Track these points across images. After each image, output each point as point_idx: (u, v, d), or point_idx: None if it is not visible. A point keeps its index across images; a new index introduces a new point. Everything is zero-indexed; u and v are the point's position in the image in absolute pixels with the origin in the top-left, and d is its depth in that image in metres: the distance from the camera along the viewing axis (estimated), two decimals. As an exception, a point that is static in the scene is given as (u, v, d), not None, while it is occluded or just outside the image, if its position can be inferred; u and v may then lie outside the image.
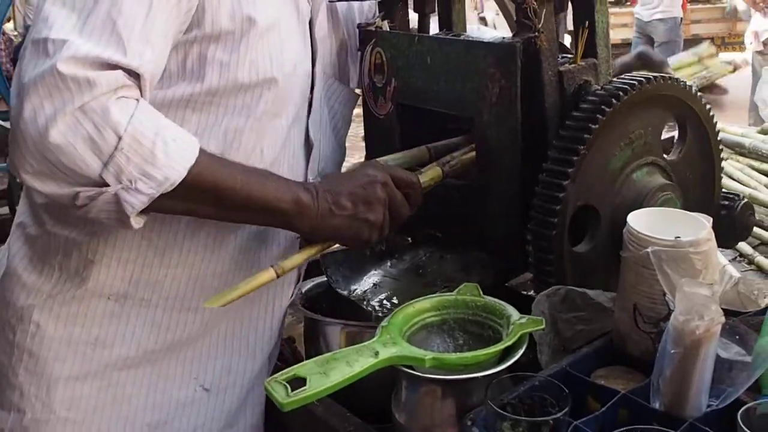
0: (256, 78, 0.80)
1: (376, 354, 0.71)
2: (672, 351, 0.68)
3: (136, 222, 0.73)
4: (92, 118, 0.68)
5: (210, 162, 0.75)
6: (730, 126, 2.13)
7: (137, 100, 0.72)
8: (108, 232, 0.82)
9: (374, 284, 0.98)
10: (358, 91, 1.05)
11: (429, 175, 0.91)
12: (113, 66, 0.70)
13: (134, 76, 0.71)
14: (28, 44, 0.71)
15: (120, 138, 0.69)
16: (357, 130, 1.09)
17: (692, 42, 6.61)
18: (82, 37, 0.69)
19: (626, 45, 6.47)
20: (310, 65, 0.90)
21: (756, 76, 4.40)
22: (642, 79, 0.87)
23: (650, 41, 6.03)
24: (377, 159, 0.94)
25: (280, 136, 0.85)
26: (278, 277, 0.81)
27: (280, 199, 0.79)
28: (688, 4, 6.62)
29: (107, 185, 0.70)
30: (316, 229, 0.81)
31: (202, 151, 0.74)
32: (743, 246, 1.56)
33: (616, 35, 6.93)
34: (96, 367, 0.84)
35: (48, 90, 0.67)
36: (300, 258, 0.84)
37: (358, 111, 1.07)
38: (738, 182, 1.85)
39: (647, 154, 0.91)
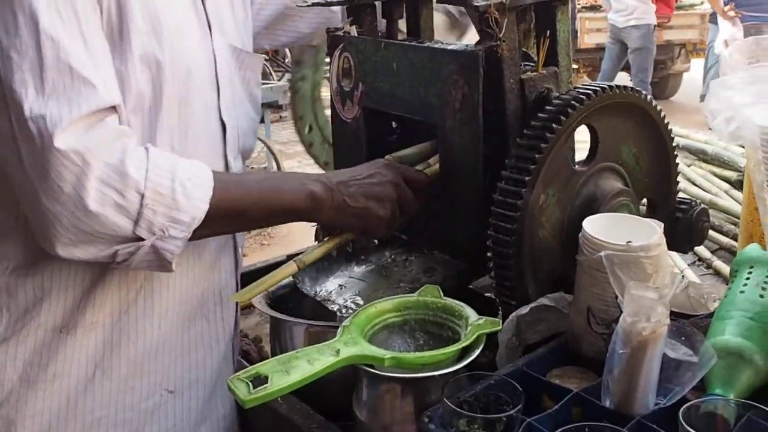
0: (155, 68, 0.79)
1: (337, 353, 0.73)
2: (620, 351, 0.71)
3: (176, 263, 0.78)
4: (113, 185, 0.72)
5: (225, 186, 0.80)
6: (694, 133, 2.19)
7: (146, 149, 0.75)
8: (52, 266, 0.81)
9: (340, 285, 0.99)
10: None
11: (433, 170, 0.95)
12: (97, 113, 0.71)
13: (112, 108, 0.74)
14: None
15: (143, 196, 0.73)
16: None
17: (665, 48, 6.73)
18: (52, 99, 0.69)
19: (600, 50, 6.58)
20: (210, 42, 0.88)
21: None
22: (600, 87, 0.90)
23: (624, 47, 6.13)
24: (393, 154, 0.97)
25: (191, 124, 0.85)
26: (299, 270, 0.88)
27: (296, 199, 0.84)
28: (674, 11, 6.71)
29: (142, 239, 0.75)
30: (332, 220, 0.87)
31: (215, 179, 0.78)
32: (702, 250, 1.61)
33: (590, 40, 7.02)
34: (58, 399, 0.83)
35: (58, 170, 0.69)
36: (319, 252, 0.90)
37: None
38: (700, 188, 1.91)
39: (605, 160, 0.94)
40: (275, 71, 6.13)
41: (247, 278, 1.04)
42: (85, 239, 0.73)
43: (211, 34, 0.88)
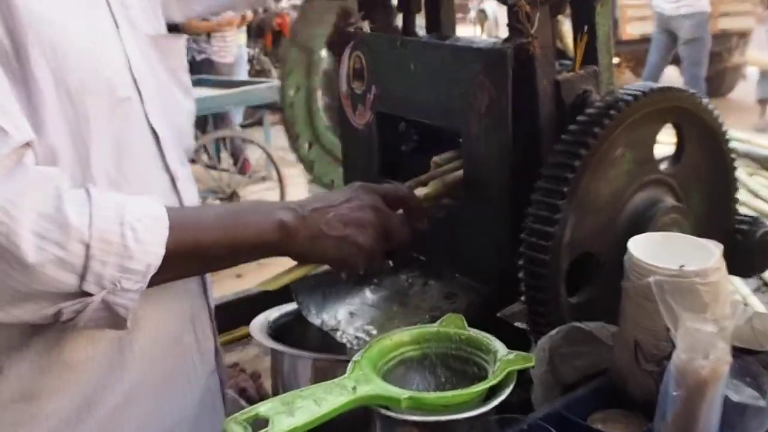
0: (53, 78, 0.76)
1: (347, 392, 0.72)
2: (674, 393, 0.70)
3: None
4: (51, 237, 0.69)
5: (182, 224, 0.78)
6: (756, 137, 2.17)
7: (86, 190, 0.73)
8: (7, 340, 0.80)
9: (350, 313, 0.99)
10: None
11: (432, 187, 0.94)
12: (11, 155, 0.70)
13: (26, 145, 0.72)
14: None
15: (88, 246, 0.71)
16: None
17: (720, 38, 6.68)
18: None
19: (645, 41, 6.54)
20: (120, 44, 0.85)
21: None
22: (648, 89, 0.90)
23: (673, 38, 6.09)
24: (440, 156, 0.96)
25: (123, 143, 0.83)
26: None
27: (264, 231, 0.82)
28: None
29: (90, 294, 0.73)
30: (306, 251, 0.85)
31: (170, 217, 0.77)
32: None
33: (633, 30, 6.99)
34: None
35: None
36: (286, 279, 0.88)
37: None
38: (764, 200, 1.89)
39: (653, 172, 0.94)
40: (275, 67, 6.18)
41: (223, 311, 1.05)
42: (24, 298, 0.71)
43: (119, 31, 0.85)
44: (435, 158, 0.99)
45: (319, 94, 2.06)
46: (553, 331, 0.85)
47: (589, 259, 0.90)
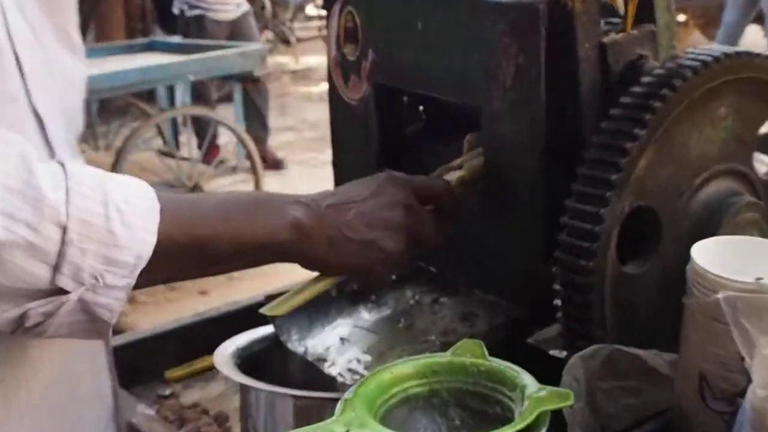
0: None
1: (336, 439, 0.73)
2: (749, 438, 0.70)
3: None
4: (20, 216, 0.68)
5: (176, 210, 0.77)
6: None
7: (60, 162, 0.72)
8: None
9: (341, 338, 1.00)
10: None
11: (468, 169, 0.96)
12: None
13: None
14: None
15: (65, 229, 0.69)
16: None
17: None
18: None
19: (716, 7, 6.54)
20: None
21: None
22: (722, 53, 0.90)
23: (751, 4, 6.09)
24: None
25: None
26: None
27: (275, 229, 0.82)
28: None
29: (66, 292, 0.71)
30: (321, 256, 0.85)
31: (161, 200, 0.76)
32: None
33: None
34: None
35: None
36: (299, 299, 0.90)
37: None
38: None
39: (728, 160, 0.94)
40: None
41: (181, 337, 1.04)
42: None
43: None
44: (469, 137, 0.99)
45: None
46: (587, 352, 0.85)
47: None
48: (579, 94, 0.90)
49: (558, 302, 0.90)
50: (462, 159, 0.99)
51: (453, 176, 0.96)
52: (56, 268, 0.70)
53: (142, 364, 1.22)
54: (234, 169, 5.00)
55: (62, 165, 0.72)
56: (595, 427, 0.86)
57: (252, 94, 5.28)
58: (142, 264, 0.73)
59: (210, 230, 0.79)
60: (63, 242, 0.69)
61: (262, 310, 0.90)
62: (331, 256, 0.85)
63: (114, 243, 0.72)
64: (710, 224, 0.92)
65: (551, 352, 1.03)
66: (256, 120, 5.38)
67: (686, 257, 0.82)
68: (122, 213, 0.72)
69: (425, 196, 0.90)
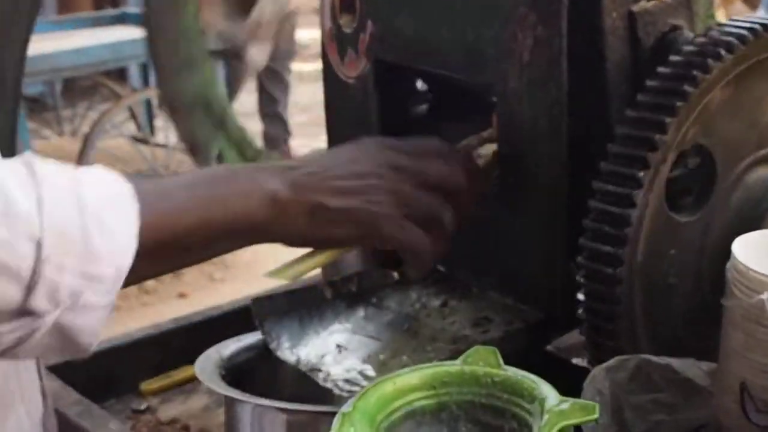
0: None
1: (333, 457, 0.73)
2: (796, 456, 0.71)
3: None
4: None
5: (152, 205, 0.77)
6: None
7: (25, 162, 0.71)
8: None
9: (338, 346, 1.00)
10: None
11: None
12: None
13: None
14: None
15: (39, 244, 0.68)
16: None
17: None
18: None
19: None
20: None
21: None
22: (763, 24, 0.90)
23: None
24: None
25: None
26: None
27: (250, 208, 0.82)
28: None
29: (39, 315, 0.70)
30: (302, 232, 0.86)
31: (138, 195, 0.75)
32: None
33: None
34: None
35: None
36: (307, 265, 0.90)
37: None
38: None
39: (768, 144, 0.94)
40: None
41: (158, 345, 1.04)
42: None
43: None
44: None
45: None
46: (612, 363, 0.86)
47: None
48: (605, 71, 0.91)
49: (581, 307, 0.90)
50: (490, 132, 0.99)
51: (488, 150, 0.97)
52: (29, 289, 0.69)
53: (114, 375, 1.22)
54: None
55: (29, 165, 0.71)
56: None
57: (266, 84, 5.23)
58: (124, 275, 0.73)
59: (185, 219, 0.79)
60: (38, 259, 0.68)
61: (266, 273, 0.90)
62: (313, 229, 0.86)
63: (93, 256, 0.71)
64: (753, 217, 0.92)
65: (573, 361, 1.03)
66: (272, 116, 5.35)
67: (726, 254, 0.82)
68: (100, 220, 0.71)
69: (421, 153, 0.90)
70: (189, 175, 0.85)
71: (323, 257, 0.90)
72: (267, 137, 5.24)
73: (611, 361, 0.87)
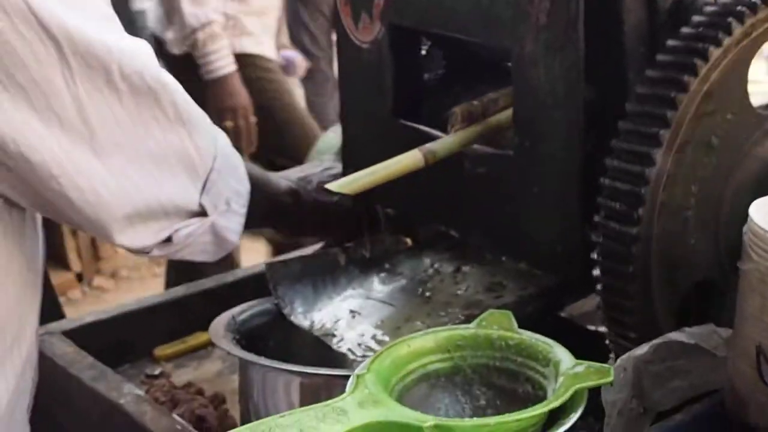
0: None
1: (347, 418, 0.73)
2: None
3: None
4: (186, 138, 0.90)
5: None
6: None
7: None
8: None
9: (351, 311, 1.01)
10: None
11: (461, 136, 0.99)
12: None
13: None
14: None
15: (215, 157, 0.93)
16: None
17: None
18: None
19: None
20: None
21: None
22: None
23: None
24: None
25: None
26: (426, 165, 1.00)
27: (280, 189, 1.10)
28: None
29: (205, 214, 0.94)
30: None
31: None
32: None
33: None
34: None
35: None
36: (375, 179, 0.98)
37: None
38: None
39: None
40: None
41: (172, 310, 1.05)
42: (139, 219, 0.88)
43: None
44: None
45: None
46: (643, 348, 0.86)
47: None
48: (623, 35, 0.90)
49: (596, 272, 0.89)
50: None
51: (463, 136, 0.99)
52: (204, 190, 0.92)
53: (128, 341, 1.22)
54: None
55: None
56: (640, 414, 0.86)
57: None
58: (248, 197, 0.97)
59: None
60: (212, 169, 0.92)
61: (329, 185, 0.98)
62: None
63: (238, 176, 0.96)
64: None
65: (588, 327, 1.03)
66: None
67: (743, 219, 0.82)
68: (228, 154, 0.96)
69: None
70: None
71: (383, 175, 0.97)
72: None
73: (643, 347, 0.86)
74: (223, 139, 0.96)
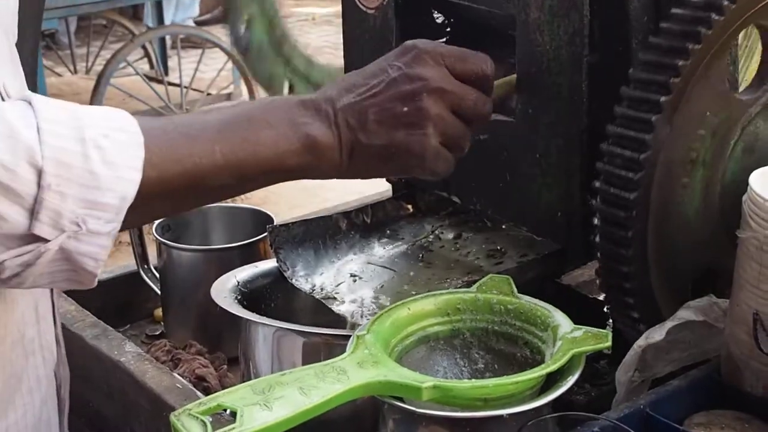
0: None
1: (347, 378, 0.74)
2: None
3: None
4: None
5: (164, 140, 0.78)
6: None
7: (25, 100, 0.73)
8: None
9: (352, 275, 1.01)
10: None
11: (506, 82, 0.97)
12: None
13: None
14: None
15: (40, 171, 0.71)
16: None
17: None
18: None
19: None
20: None
21: None
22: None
23: None
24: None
25: None
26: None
27: (284, 155, 0.81)
28: None
29: (44, 240, 0.73)
30: (341, 173, 0.85)
31: (144, 130, 0.76)
32: None
33: None
34: None
35: None
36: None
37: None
38: None
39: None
40: None
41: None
42: None
43: None
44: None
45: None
46: (659, 328, 0.86)
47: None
48: (627, 2, 0.90)
49: (596, 238, 0.90)
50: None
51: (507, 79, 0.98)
52: (33, 214, 0.72)
53: (129, 301, 1.23)
54: (229, 97, 4.98)
55: (28, 101, 0.73)
56: (638, 381, 0.87)
57: None
58: (127, 204, 0.75)
59: (206, 160, 0.79)
60: (39, 186, 0.71)
61: None
62: (352, 170, 0.84)
63: (95, 184, 0.73)
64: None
65: (587, 295, 1.03)
66: None
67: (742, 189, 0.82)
68: (102, 150, 0.73)
69: (460, 71, 0.87)
70: (224, 112, 0.84)
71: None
72: None
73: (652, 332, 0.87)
74: (57, 141, 0.72)
